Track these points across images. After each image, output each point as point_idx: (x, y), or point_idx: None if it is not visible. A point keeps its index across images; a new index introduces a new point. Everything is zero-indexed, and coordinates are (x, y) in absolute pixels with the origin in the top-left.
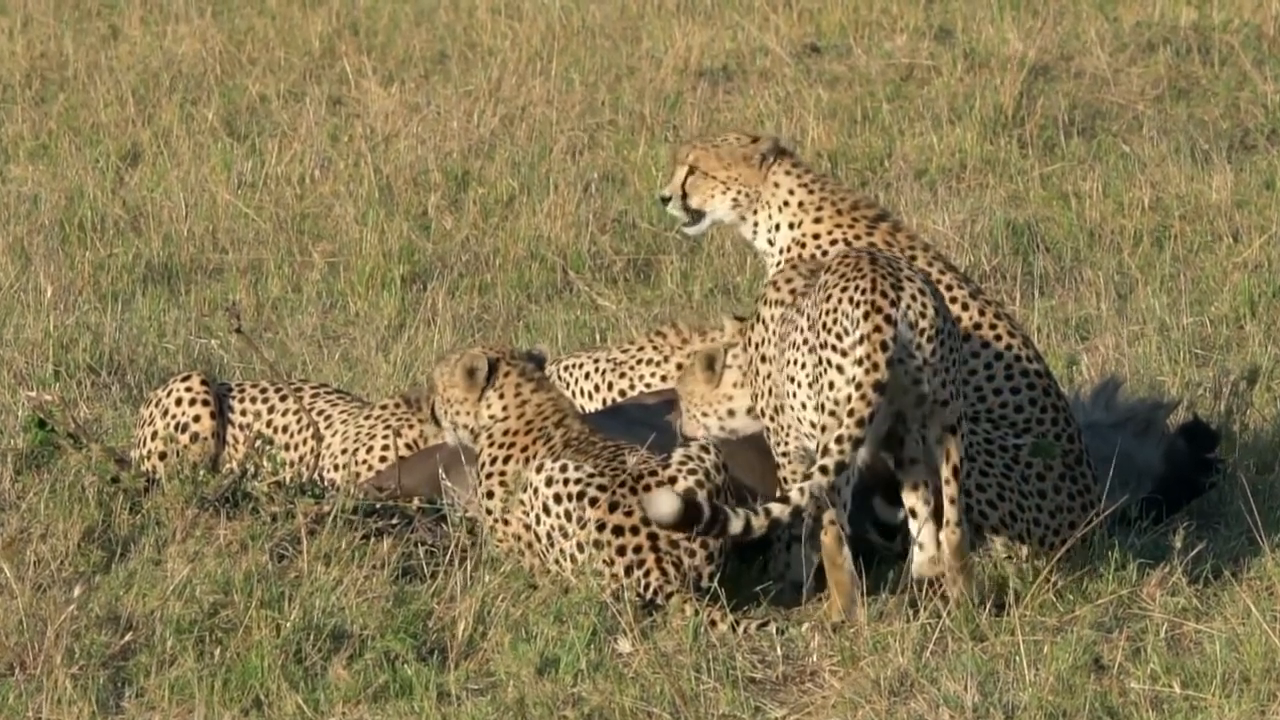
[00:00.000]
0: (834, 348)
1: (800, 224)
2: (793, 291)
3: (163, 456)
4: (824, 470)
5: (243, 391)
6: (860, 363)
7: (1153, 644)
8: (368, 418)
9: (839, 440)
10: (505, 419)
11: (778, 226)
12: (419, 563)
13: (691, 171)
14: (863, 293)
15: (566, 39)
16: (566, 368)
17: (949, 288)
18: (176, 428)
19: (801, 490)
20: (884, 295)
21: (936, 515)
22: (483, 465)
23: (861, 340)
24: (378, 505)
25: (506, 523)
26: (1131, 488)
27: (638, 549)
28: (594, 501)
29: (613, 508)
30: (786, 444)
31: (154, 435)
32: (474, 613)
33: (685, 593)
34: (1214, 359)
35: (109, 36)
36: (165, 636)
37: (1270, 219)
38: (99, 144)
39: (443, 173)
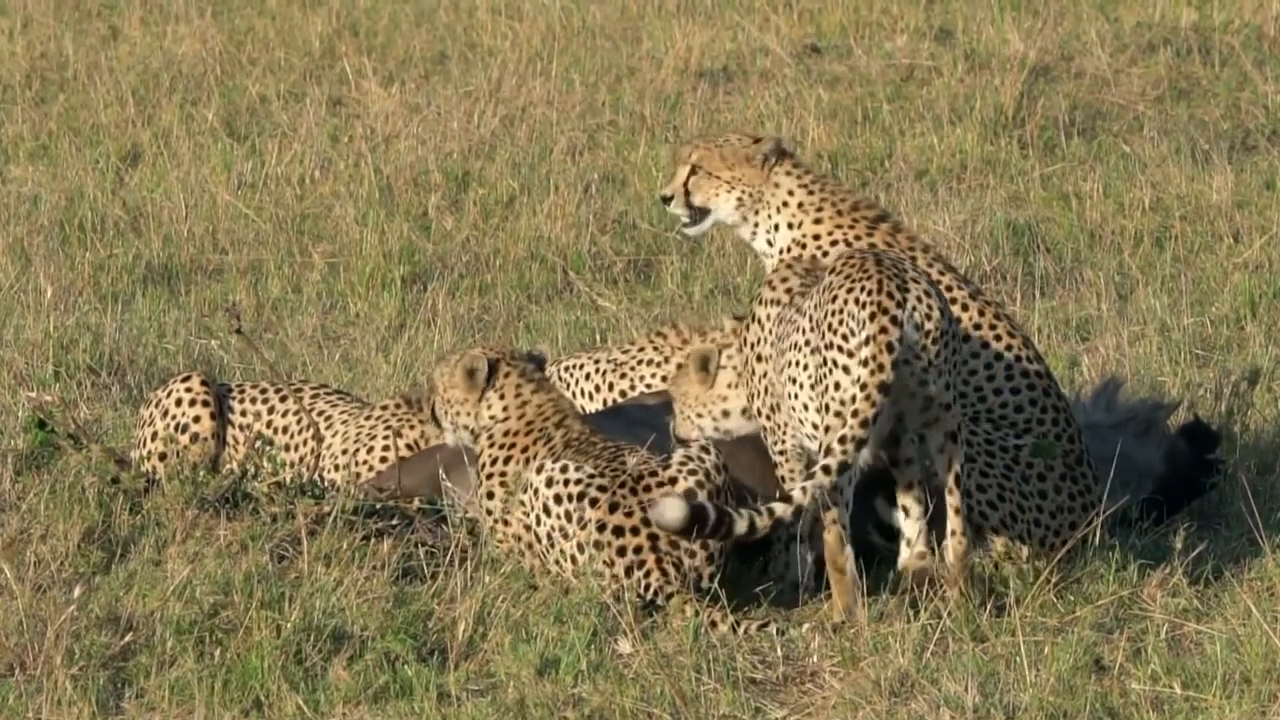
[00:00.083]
0: (839, 348)
1: (800, 225)
2: (789, 291)
3: (163, 457)
4: (826, 470)
5: (243, 392)
6: (866, 364)
7: (1153, 645)
8: (368, 418)
9: (842, 440)
10: (505, 420)
11: (777, 227)
12: (419, 563)
13: (694, 171)
14: (869, 294)
15: (567, 39)
16: (567, 368)
17: (949, 288)
18: (176, 428)
19: (804, 489)
20: (890, 297)
21: (928, 514)
22: (483, 466)
23: (867, 341)
24: (378, 506)
25: (507, 523)
26: (1132, 488)
27: (638, 550)
28: (594, 502)
29: (613, 508)
30: (783, 442)
31: (154, 436)
32: (474, 613)
33: (685, 593)
34: (1215, 359)
35: (109, 37)
36: (165, 637)
37: (1271, 219)
38: (99, 144)
39: (443, 173)
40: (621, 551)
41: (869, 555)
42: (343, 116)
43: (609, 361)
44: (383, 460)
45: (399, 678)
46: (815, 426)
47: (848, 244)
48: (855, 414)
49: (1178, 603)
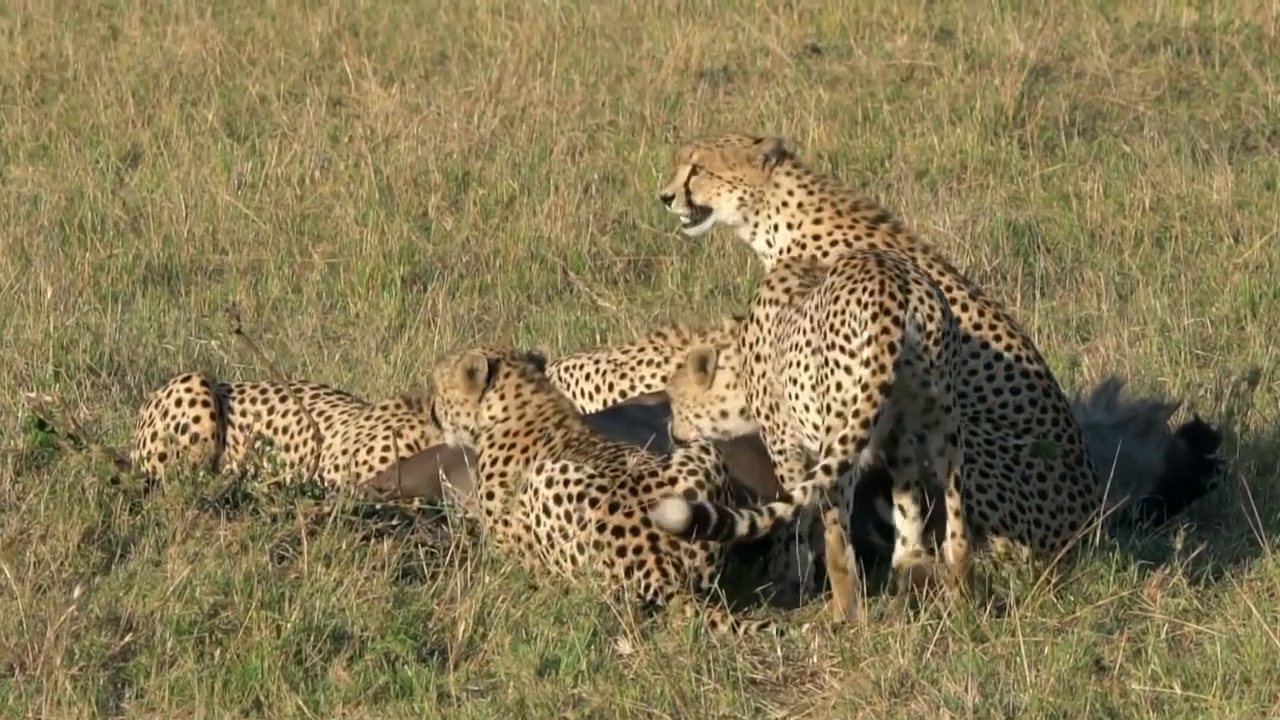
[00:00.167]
0: (842, 349)
1: (800, 225)
2: (787, 291)
3: (163, 457)
4: (827, 470)
5: (243, 392)
6: (868, 364)
7: (1153, 645)
8: (368, 418)
9: (843, 441)
10: (505, 420)
11: (776, 227)
12: (419, 564)
13: (695, 171)
14: (871, 294)
15: (567, 40)
16: (567, 369)
17: (949, 288)
18: (176, 429)
19: (804, 489)
20: (892, 297)
21: (926, 514)
22: (483, 466)
23: (869, 342)
24: (378, 506)
25: (507, 524)
26: (1132, 489)
27: (638, 550)
28: (594, 503)
29: (613, 509)
30: (782, 442)
31: (154, 436)
32: (474, 614)
33: (685, 594)
34: (1215, 360)
35: (109, 37)
36: (165, 637)
37: (1271, 220)
38: (99, 145)
39: (443, 173)
40: (621, 552)
41: (869, 555)
42: (343, 117)
43: (609, 362)
44: (383, 460)
45: (399, 678)
46: (816, 427)
47: (847, 244)
48: (856, 414)
49: (1178, 603)
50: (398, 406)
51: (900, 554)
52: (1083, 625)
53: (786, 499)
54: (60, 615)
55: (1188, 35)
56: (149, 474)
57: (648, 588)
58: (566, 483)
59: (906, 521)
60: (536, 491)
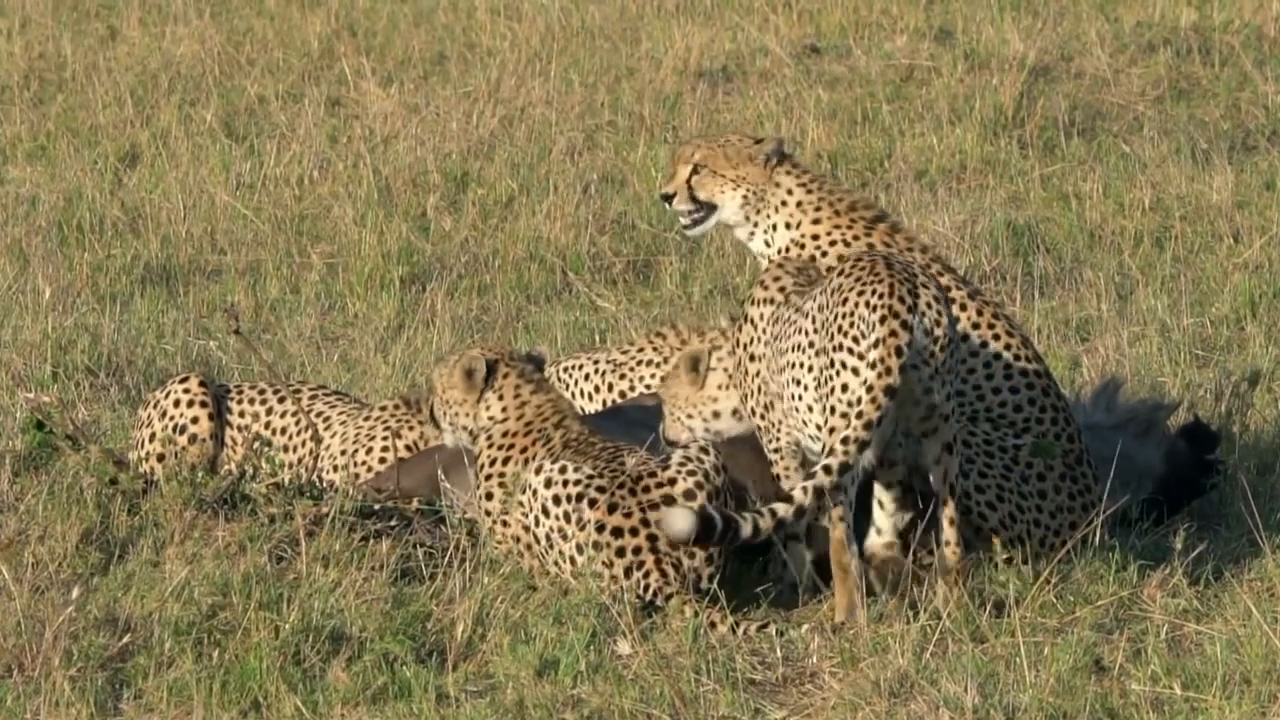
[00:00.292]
0: (849, 350)
1: (799, 225)
2: (782, 290)
3: (161, 458)
4: (828, 470)
5: (241, 393)
6: (874, 366)
7: (1153, 645)
8: (367, 419)
9: (845, 441)
10: (504, 420)
11: (775, 226)
12: (418, 564)
13: (696, 170)
14: (880, 297)
15: (566, 40)
16: (566, 369)
17: (947, 288)
18: (175, 429)
19: (804, 489)
20: (902, 301)
21: (910, 515)
22: (482, 467)
23: (877, 344)
24: (376, 507)
25: (505, 524)
26: (1132, 489)
27: (637, 550)
28: (593, 503)
29: (612, 509)
30: (778, 440)
31: (152, 437)
32: (473, 614)
33: (685, 594)
34: (1215, 360)
35: (107, 37)
36: (163, 638)
37: (1271, 220)
38: (97, 145)
39: (442, 174)
40: (620, 552)
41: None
42: (341, 117)
43: (608, 362)
44: (381, 461)
45: (397, 679)
46: (819, 427)
47: (846, 244)
48: (860, 416)
49: (1178, 603)
50: (396, 407)
51: (873, 542)
52: (1082, 625)
53: (787, 499)
54: (58, 616)
55: (1187, 35)
56: (147, 475)
57: (647, 588)
58: (565, 483)
59: (884, 515)
60: (535, 492)
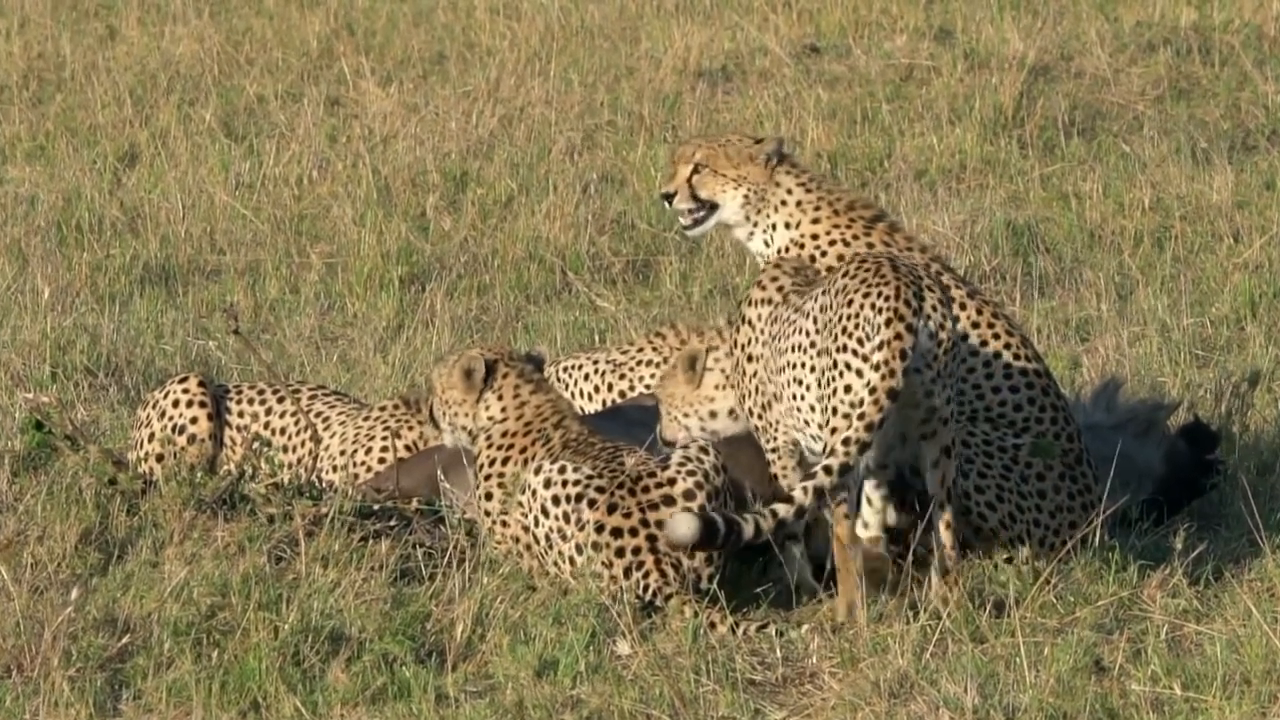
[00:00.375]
0: (854, 352)
1: (798, 224)
2: (780, 290)
3: (160, 458)
4: (828, 470)
5: (240, 393)
6: (878, 368)
7: (1153, 645)
8: (366, 419)
9: (846, 442)
10: (504, 420)
11: (775, 226)
12: (417, 564)
13: (697, 170)
14: (886, 300)
15: (565, 39)
16: (565, 369)
17: (946, 288)
18: (174, 429)
19: (805, 489)
20: (908, 304)
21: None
22: (481, 467)
23: (881, 346)
24: (376, 507)
25: (505, 524)
26: (1132, 489)
27: (636, 550)
28: (592, 503)
29: (611, 509)
30: (775, 439)
31: (151, 437)
32: (472, 615)
33: (684, 594)
34: (1215, 360)
35: (106, 37)
36: (163, 639)
37: (1271, 220)
38: (96, 145)
39: (441, 173)
40: (620, 552)
41: None
42: (340, 117)
43: (608, 362)
44: (381, 461)
45: (397, 679)
46: (820, 427)
47: (845, 244)
48: (862, 417)
49: (1178, 603)
50: (396, 407)
51: (859, 535)
52: (1082, 626)
53: (788, 500)
54: (57, 616)
55: (1187, 35)
56: (146, 475)
57: (646, 588)
58: (565, 483)
59: (872, 511)
60: (534, 492)
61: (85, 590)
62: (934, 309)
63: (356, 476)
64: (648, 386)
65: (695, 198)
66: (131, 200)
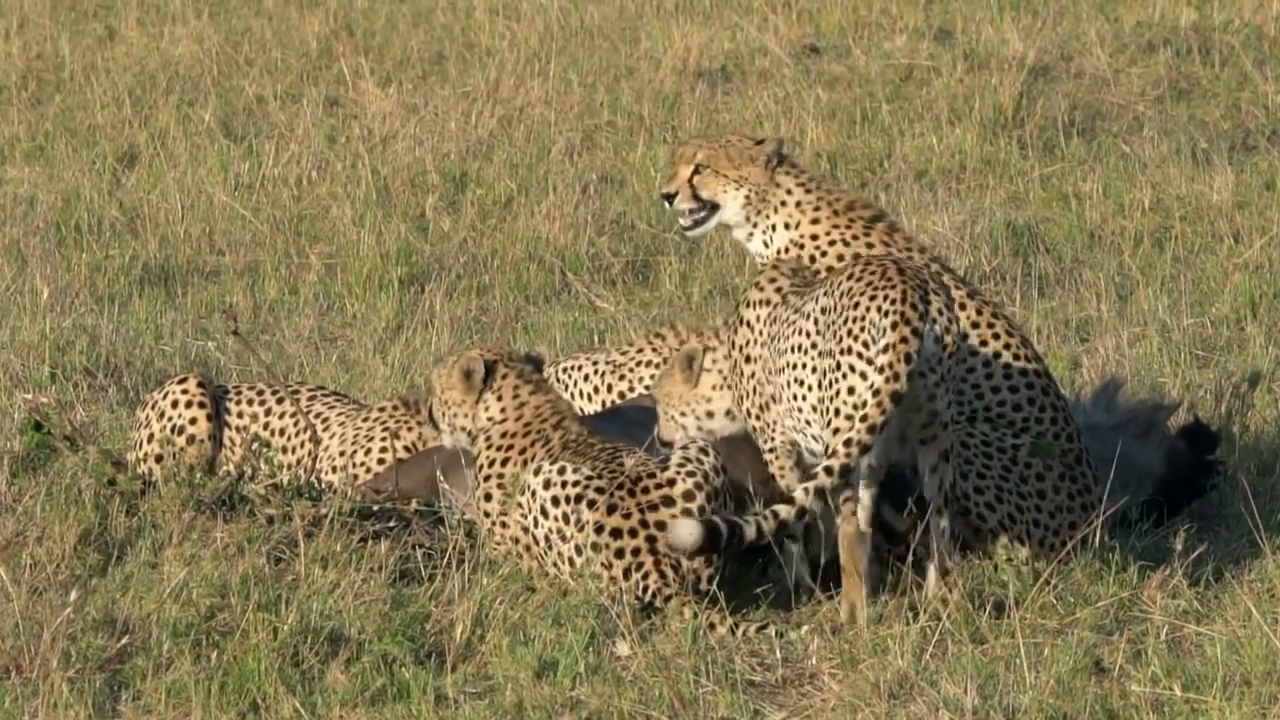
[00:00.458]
0: (858, 354)
1: (798, 225)
2: (779, 291)
3: (159, 459)
4: (829, 471)
5: (240, 394)
6: (882, 371)
7: (1153, 646)
8: (365, 420)
9: (847, 444)
10: (503, 421)
11: (774, 227)
12: (417, 565)
13: (698, 170)
14: (892, 303)
15: (565, 40)
16: (565, 370)
17: (946, 288)
18: (173, 430)
19: (806, 490)
20: (914, 308)
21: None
22: (480, 467)
23: (886, 350)
24: (375, 508)
25: (504, 525)
26: (1132, 489)
27: (636, 551)
28: (592, 504)
29: (611, 510)
30: (773, 440)
31: (150, 438)
32: (472, 615)
33: (684, 595)
34: (1215, 360)
35: (105, 38)
36: (162, 640)
37: (1271, 220)
38: (95, 145)
39: (440, 174)
40: (619, 553)
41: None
42: (340, 117)
43: (607, 363)
44: (380, 462)
45: (396, 680)
46: (822, 428)
47: (845, 244)
48: (865, 419)
49: (1178, 604)
50: (395, 408)
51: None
52: (1082, 627)
53: (789, 501)
54: (57, 617)
55: (1187, 35)
56: (145, 476)
57: (646, 589)
58: (564, 484)
59: (860, 508)
60: (534, 493)
61: (84, 591)
62: (939, 313)
63: (356, 477)
64: (647, 387)
65: (696, 198)
66: (131, 201)
